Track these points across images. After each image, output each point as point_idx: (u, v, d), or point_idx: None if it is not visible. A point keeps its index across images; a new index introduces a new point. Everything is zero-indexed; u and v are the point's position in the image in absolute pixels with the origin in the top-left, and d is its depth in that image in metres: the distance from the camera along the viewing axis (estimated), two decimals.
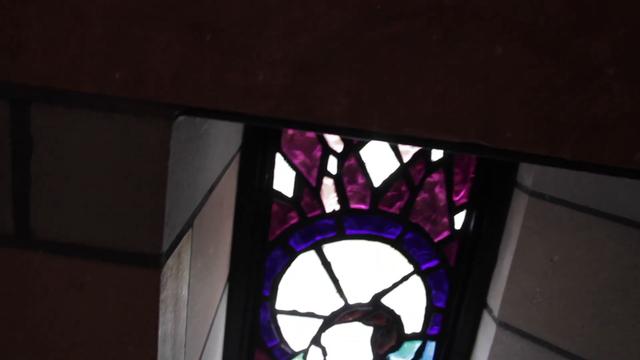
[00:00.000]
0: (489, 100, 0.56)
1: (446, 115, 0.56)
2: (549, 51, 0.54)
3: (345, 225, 1.30)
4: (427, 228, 1.32)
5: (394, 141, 0.62)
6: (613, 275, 1.10)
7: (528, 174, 1.18)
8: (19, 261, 0.65)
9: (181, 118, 0.62)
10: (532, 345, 1.21)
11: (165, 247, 0.64)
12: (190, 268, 0.80)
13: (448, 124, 0.56)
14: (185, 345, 0.83)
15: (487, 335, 1.30)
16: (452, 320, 1.38)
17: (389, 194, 1.28)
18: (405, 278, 1.36)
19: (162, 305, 0.66)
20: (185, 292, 0.78)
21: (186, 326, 0.82)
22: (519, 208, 1.21)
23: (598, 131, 0.56)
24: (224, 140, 0.96)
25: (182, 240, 0.72)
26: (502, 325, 1.24)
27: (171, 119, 0.59)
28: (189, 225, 0.75)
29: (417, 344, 1.42)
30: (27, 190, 0.62)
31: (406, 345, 1.42)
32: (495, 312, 1.26)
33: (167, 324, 0.70)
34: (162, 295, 0.65)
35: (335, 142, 1.25)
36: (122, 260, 0.63)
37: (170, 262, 0.67)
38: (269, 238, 1.31)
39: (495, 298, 1.27)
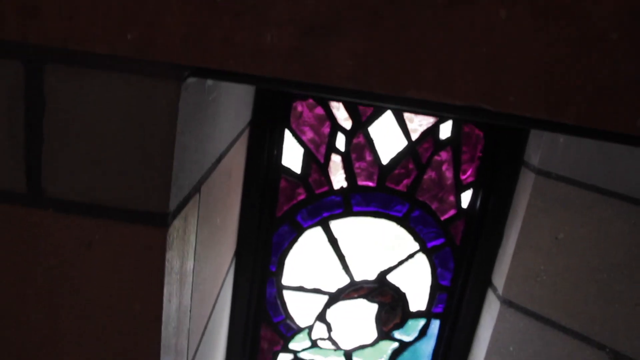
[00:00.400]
0: (492, 64, 0.56)
1: (449, 78, 0.57)
2: (553, 15, 0.55)
3: (352, 202, 1.31)
4: (433, 206, 1.33)
5: (397, 104, 0.63)
6: (618, 254, 1.10)
7: (535, 153, 1.19)
8: (30, 220, 0.66)
9: (191, 79, 0.63)
10: (536, 323, 1.22)
11: (172, 206, 0.65)
12: (197, 234, 0.81)
13: (451, 87, 0.57)
14: (190, 311, 0.84)
15: (491, 313, 1.31)
16: (456, 299, 1.39)
17: (397, 171, 1.29)
18: (411, 256, 1.37)
19: (167, 265, 0.67)
20: (191, 257, 0.80)
21: (192, 291, 0.84)
22: (526, 186, 1.22)
23: (601, 97, 0.57)
24: (233, 112, 0.97)
25: (189, 204, 0.73)
26: (506, 303, 1.25)
27: (181, 80, 0.60)
28: (196, 190, 0.77)
29: (422, 322, 1.43)
30: (39, 150, 0.64)
31: (410, 322, 1.43)
32: (500, 290, 1.27)
33: (173, 285, 0.71)
34: (168, 255, 0.67)
35: (344, 119, 1.26)
36: (130, 219, 0.65)
37: (177, 223, 0.68)
38: (277, 214, 1.33)
39: (500, 276, 1.28)
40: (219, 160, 0.91)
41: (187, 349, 0.87)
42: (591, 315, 1.15)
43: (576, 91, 0.57)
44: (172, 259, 0.69)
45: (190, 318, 0.85)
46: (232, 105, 0.95)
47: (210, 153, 0.83)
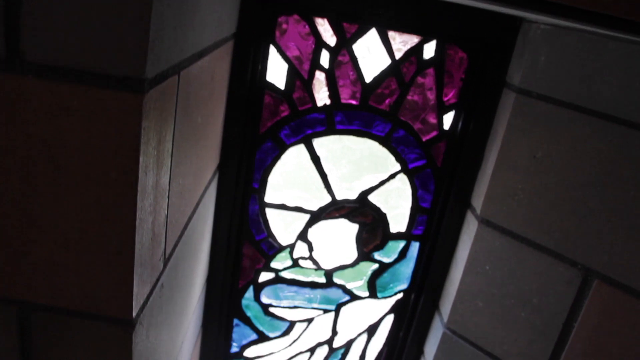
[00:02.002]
0: None
1: None
2: None
3: (335, 120, 1.33)
4: (415, 127, 1.34)
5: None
6: (593, 171, 1.12)
7: (517, 73, 1.20)
8: (9, 85, 0.67)
9: None
10: (512, 241, 1.25)
11: (149, 74, 0.66)
12: (175, 120, 0.82)
13: None
14: (168, 197, 0.86)
15: (469, 234, 1.34)
16: (436, 221, 1.42)
17: (379, 90, 1.30)
18: (392, 176, 1.38)
19: (144, 134, 0.68)
20: (169, 140, 0.81)
21: (170, 178, 0.85)
22: (506, 107, 1.23)
23: None
24: (217, 13, 0.98)
25: (167, 81, 0.74)
26: (484, 222, 1.27)
27: None
28: (175, 71, 0.77)
29: (402, 244, 1.46)
30: (18, 12, 0.64)
31: (391, 244, 1.46)
32: (478, 210, 1.29)
33: (150, 158, 0.72)
34: (145, 124, 0.68)
35: (329, 35, 1.27)
36: (108, 84, 0.65)
37: (154, 94, 0.69)
38: (260, 130, 1.34)
39: (479, 197, 1.30)
40: (200, 55, 0.91)
41: (165, 239, 0.88)
42: (565, 233, 1.18)
43: None
44: (149, 131, 0.70)
45: (168, 205, 0.86)
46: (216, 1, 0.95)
47: (190, 42, 0.83)
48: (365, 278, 1.50)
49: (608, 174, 1.11)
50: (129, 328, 0.78)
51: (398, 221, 1.44)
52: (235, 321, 1.55)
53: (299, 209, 1.41)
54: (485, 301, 1.32)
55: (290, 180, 1.39)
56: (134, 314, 0.77)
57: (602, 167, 1.11)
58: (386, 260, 1.47)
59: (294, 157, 1.37)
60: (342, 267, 1.48)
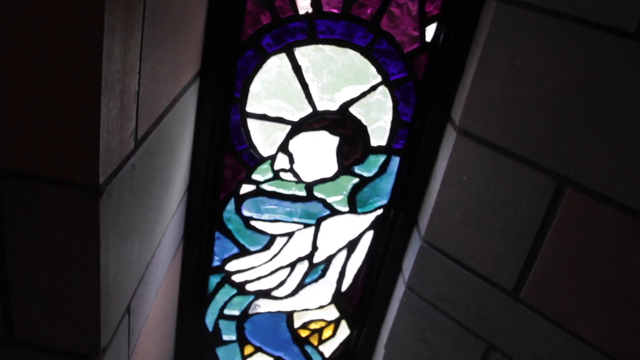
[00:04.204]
0: None
1: None
2: None
3: (317, 29, 1.32)
4: (397, 38, 1.34)
5: None
6: (570, 79, 1.12)
7: None
8: None
9: None
10: (488, 151, 1.25)
11: None
12: None
13: None
14: (140, 74, 0.86)
15: (448, 146, 1.35)
16: (416, 135, 1.42)
17: None
18: (374, 88, 1.39)
19: None
20: (138, 11, 0.81)
21: (141, 54, 0.85)
22: (488, 16, 1.22)
23: None
24: None
25: None
26: (462, 132, 1.28)
27: None
28: None
29: (382, 158, 1.47)
30: None
31: (371, 158, 1.47)
32: (457, 121, 1.29)
33: (116, 21, 0.73)
34: None
35: None
36: None
37: None
38: (242, 39, 1.33)
39: (459, 108, 1.30)
40: None
41: (137, 117, 0.89)
42: (541, 141, 1.18)
43: None
44: None
45: (139, 83, 0.87)
46: None
47: None
48: (346, 192, 1.51)
49: (585, 81, 1.11)
50: (96, 195, 0.79)
51: (379, 135, 1.45)
52: (217, 234, 1.57)
53: (280, 120, 1.42)
54: (461, 212, 1.33)
55: (272, 90, 1.39)
56: (101, 181, 0.79)
57: (579, 74, 1.11)
58: (366, 174, 1.49)
59: (276, 66, 1.37)
60: (323, 181, 1.49)
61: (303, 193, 1.50)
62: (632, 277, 1.11)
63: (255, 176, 1.48)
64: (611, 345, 1.17)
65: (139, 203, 1.00)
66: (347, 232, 1.58)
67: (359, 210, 1.54)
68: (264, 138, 1.45)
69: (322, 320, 1.74)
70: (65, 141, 0.76)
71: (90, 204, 0.80)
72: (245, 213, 1.53)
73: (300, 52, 1.35)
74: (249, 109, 1.41)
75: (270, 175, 1.48)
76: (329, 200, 1.52)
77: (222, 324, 1.73)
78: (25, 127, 0.75)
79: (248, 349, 1.78)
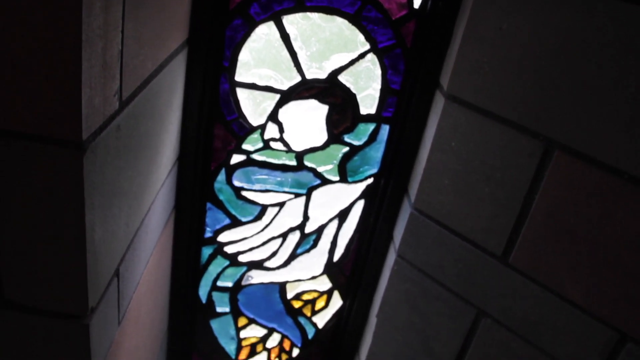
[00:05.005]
0: None
1: None
2: None
3: None
4: (385, 5, 1.33)
5: None
6: (557, 41, 1.12)
7: None
8: None
9: None
10: (477, 116, 1.26)
11: None
12: None
13: None
14: (123, 33, 0.86)
15: (436, 112, 1.35)
16: (406, 103, 1.42)
17: None
18: (362, 56, 1.39)
19: None
20: None
21: (124, 11, 0.85)
22: None
23: None
24: None
25: None
26: (450, 98, 1.28)
27: None
28: None
29: (372, 127, 1.47)
30: None
31: (361, 127, 1.47)
32: (445, 87, 1.30)
33: None
34: None
35: None
36: None
37: None
38: (229, 7, 1.33)
39: (447, 74, 1.31)
40: None
41: (121, 77, 0.89)
42: (528, 105, 1.18)
43: None
44: None
45: (123, 42, 0.87)
46: None
47: None
48: (336, 161, 1.51)
49: (572, 43, 1.11)
50: (80, 151, 0.79)
51: (368, 103, 1.45)
52: (208, 205, 1.57)
53: (269, 89, 1.42)
54: (450, 178, 1.34)
55: (260, 59, 1.39)
56: (84, 137, 0.79)
57: (566, 36, 1.11)
58: (356, 143, 1.49)
59: (264, 34, 1.37)
60: (313, 150, 1.49)
61: (293, 162, 1.51)
62: (618, 239, 1.12)
63: (246, 146, 1.48)
64: (599, 307, 1.18)
65: (125, 165, 1.00)
66: (338, 201, 1.58)
67: (349, 179, 1.54)
68: (254, 107, 1.45)
69: (315, 291, 1.75)
70: (47, 97, 0.76)
71: (74, 160, 0.80)
72: (236, 183, 1.53)
73: (288, 21, 1.35)
74: (238, 78, 1.40)
75: (260, 144, 1.48)
76: (320, 169, 1.52)
77: (216, 295, 1.73)
78: (5, 82, 0.75)
79: (242, 321, 1.79)
